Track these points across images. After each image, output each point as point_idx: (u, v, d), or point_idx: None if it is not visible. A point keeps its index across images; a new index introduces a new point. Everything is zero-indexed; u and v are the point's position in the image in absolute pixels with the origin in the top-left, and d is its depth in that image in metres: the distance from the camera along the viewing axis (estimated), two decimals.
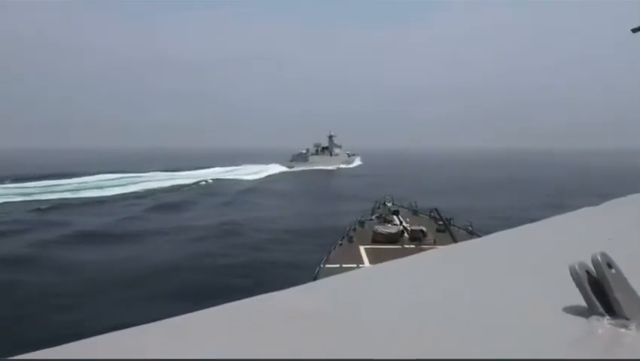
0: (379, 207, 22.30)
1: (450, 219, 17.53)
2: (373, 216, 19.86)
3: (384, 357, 0.92)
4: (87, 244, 23.87)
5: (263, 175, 74.41)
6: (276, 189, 55.39)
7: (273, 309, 1.21)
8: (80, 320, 12.83)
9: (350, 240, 15.20)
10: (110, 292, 15.91)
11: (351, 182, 65.33)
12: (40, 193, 44.79)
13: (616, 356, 0.91)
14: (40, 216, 33.09)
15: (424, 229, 15.70)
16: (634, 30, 3.84)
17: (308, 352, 0.94)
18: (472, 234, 15.07)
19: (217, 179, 63.55)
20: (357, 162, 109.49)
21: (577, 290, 1.01)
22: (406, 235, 15.70)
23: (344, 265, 11.28)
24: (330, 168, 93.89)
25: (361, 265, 11.38)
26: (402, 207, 22.10)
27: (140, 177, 62.53)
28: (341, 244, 14.81)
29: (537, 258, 1.72)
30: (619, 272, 0.99)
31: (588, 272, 1.01)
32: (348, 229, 17.07)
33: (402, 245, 14.58)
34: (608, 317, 0.97)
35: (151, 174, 67.09)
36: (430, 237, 15.24)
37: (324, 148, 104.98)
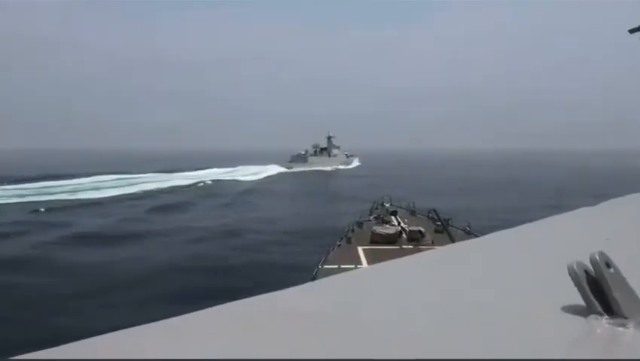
0: (377, 208, 22.29)
1: (448, 219, 17.53)
2: (371, 217, 19.85)
3: (382, 357, 0.92)
4: (86, 246, 23.82)
5: (262, 176, 74.40)
6: (275, 190, 55.40)
7: (272, 309, 1.21)
8: (79, 321, 12.81)
9: (348, 241, 15.19)
10: (109, 294, 15.88)
11: (349, 183, 65.35)
12: (37, 195, 44.64)
13: (614, 355, 0.91)
14: (38, 218, 33.03)
15: (422, 229, 15.69)
16: (631, 31, 3.86)
17: (306, 352, 0.95)
18: (470, 234, 15.07)
19: (216, 180, 63.52)
20: (355, 162, 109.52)
21: (575, 290, 1.02)
22: (404, 235, 15.68)
23: (342, 266, 11.28)
24: (328, 168, 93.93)
25: (359, 266, 11.37)
26: (400, 207, 22.09)
27: (138, 178, 62.42)
28: (339, 245, 14.80)
29: (536, 258, 1.72)
30: (617, 272, 1.00)
31: (586, 272, 1.01)
32: (346, 229, 17.07)
33: (400, 246, 14.57)
34: (606, 317, 0.97)
35: (150, 175, 66.97)
36: (428, 237, 15.23)
37: (322, 149, 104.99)
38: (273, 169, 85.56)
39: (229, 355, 0.92)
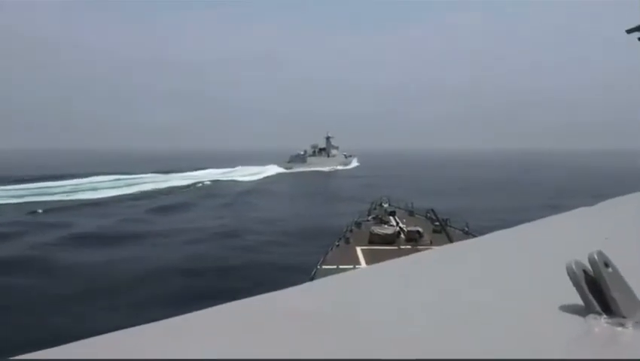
0: (375, 208, 22.30)
1: (446, 219, 17.55)
2: (370, 217, 19.85)
3: (381, 357, 0.92)
4: (84, 247, 23.75)
5: (261, 176, 74.39)
6: (274, 191, 55.35)
7: (270, 309, 1.21)
8: (77, 322, 12.79)
9: (347, 241, 15.20)
10: (108, 295, 15.86)
11: (348, 183, 65.31)
12: (34, 196, 44.48)
13: (613, 354, 0.91)
14: (35, 219, 32.98)
15: (420, 229, 15.70)
16: (629, 31, 3.86)
17: (305, 352, 0.95)
18: (468, 234, 15.09)
19: (215, 180, 63.45)
20: (354, 163, 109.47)
21: (574, 289, 1.02)
22: (402, 235, 15.69)
23: (341, 266, 11.27)
24: (327, 169, 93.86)
25: (357, 266, 11.37)
26: (398, 208, 22.12)
27: (135, 178, 62.27)
28: (338, 245, 14.81)
29: (534, 257, 1.72)
30: (616, 271, 1.00)
31: (585, 271, 1.01)
32: (344, 230, 17.08)
33: (398, 246, 14.58)
34: (604, 316, 0.97)
35: (148, 175, 66.86)
36: (426, 237, 15.24)
37: (321, 149, 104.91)
38: (272, 169, 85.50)
39: (228, 355, 0.93)
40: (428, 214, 19.10)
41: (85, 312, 14.04)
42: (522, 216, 2.68)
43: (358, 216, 19.62)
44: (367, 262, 12.56)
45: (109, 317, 12.91)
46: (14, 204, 39.93)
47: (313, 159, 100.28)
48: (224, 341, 1.01)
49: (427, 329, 1.07)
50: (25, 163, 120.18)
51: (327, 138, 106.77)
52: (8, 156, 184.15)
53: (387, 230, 15.78)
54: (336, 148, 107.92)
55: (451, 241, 13.62)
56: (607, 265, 1.00)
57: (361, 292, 1.40)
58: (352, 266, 10.95)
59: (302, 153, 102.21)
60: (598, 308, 0.99)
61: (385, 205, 22.68)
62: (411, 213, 21.20)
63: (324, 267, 12.14)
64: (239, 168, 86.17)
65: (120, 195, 46.93)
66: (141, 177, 63.43)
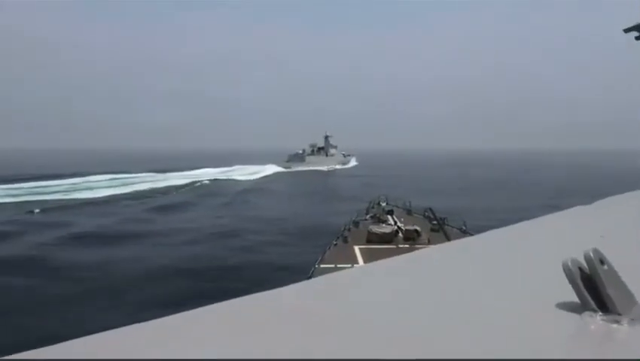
0: (373, 207, 22.31)
1: (444, 218, 17.57)
2: (368, 216, 19.88)
3: (378, 356, 0.92)
4: (82, 247, 23.69)
5: (259, 176, 74.43)
6: (273, 190, 55.32)
7: (267, 307, 1.21)
8: (76, 324, 12.76)
9: (345, 240, 15.21)
10: (106, 296, 15.84)
11: (347, 182, 65.35)
12: (31, 195, 44.34)
13: (608, 351, 0.91)
14: (32, 218, 32.91)
15: (418, 228, 15.72)
16: (626, 30, 3.86)
17: (301, 350, 0.94)
18: (466, 233, 15.10)
19: (214, 180, 63.40)
20: (353, 162, 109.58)
21: (569, 287, 1.02)
22: (400, 234, 15.71)
23: (339, 265, 11.27)
24: (325, 168, 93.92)
25: (355, 265, 11.36)
26: (396, 207, 22.14)
27: (135, 177, 62.26)
28: (336, 244, 14.82)
29: (530, 255, 1.73)
30: (611, 268, 1.00)
31: (581, 269, 1.01)
32: (342, 229, 17.09)
33: (396, 245, 14.59)
34: (600, 313, 0.98)
35: (150, 174, 66.84)
36: (424, 236, 15.26)
37: (320, 148, 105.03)
38: (271, 169, 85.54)
39: (224, 353, 0.93)
40: (426, 213, 19.11)
41: (84, 312, 14.03)
42: (522, 216, 2.67)
43: (355, 215, 19.63)
44: (365, 261, 12.56)
45: (109, 317, 12.89)
46: (11, 203, 39.79)
47: (312, 158, 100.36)
48: (220, 339, 1.01)
49: (424, 327, 1.07)
50: (24, 162, 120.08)
51: (326, 137, 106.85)
52: (8, 156, 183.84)
53: (385, 229, 15.79)
54: (335, 147, 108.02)
55: (449, 239, 13.61)
56: (602, 262, 1.00)
57: (358, 290, 1.40)
58: (349, 265, 10.92)
59: (300, 152, 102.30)
60: (593, 305, 0.99)
61: (383, 204, 22.71)
62: (409, 212, 21.22)
63: (322, 266, 12.15)
64: (238, 167, 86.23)
65: (117, 195, 46.75)
66: (138, 176, 63.36)
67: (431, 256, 1.89)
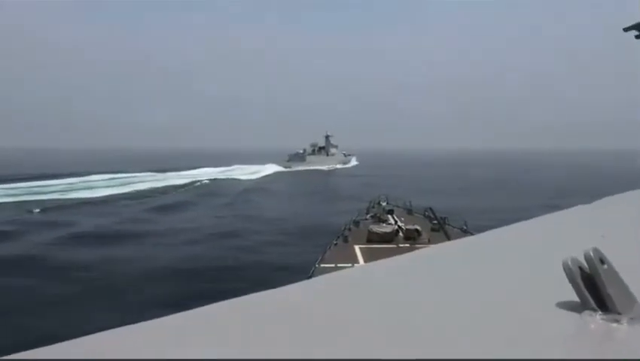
0: (373, 207, 22.29)
1: (445, 218, 17.55)
2: (368, 216, 19.86)
3: (378, 356, 0.92)
4: (82, 247, 23.65)
5: (260, 175, 74.43)
6: (274, 189, 55.28)
7: (268, 306, 1.21)
8: (76, 324, 12.74)
9: (345, 239, 15.21)
10: (106, 296, 15.83)
11: (347, 182, 65.32)
12: (30, 194, 44.27)
13: (608, 350, 0.91)
14: (33, 218, 32.88)
15: (418, 228, 15.71)
16: (626, 29, 3.85)
17: (302, 350, 0.95)
18: (466, 233, 15.08)
19: (215, 179, 63.34)
20: (353, 162, 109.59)
21: (570, 286, 1.02)
22: (400, 234, 15.70)
23: (339, 265, 11.25)
24: (326, 168, 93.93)
25: (355, 265, 11.36)
26: (397, 206, 22.13)
27: (136, 176, 62.21)
28: (336, 244, 14.81)
29: (531, 255, 1.73)
30: (611, 268, 1.00)
31: (581, 268, 1.01)
32: (343, 228, 17.09)
33: (397, 244, 14.58)
34: (600, 312, 0.98)
35: (150, 174, 66.79)
36: (424, 236, 15.25)
37: (320, 148, 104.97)
38: (271, 168, 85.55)
39: (225, 352, 0.93)
40: (427, 213, 19.10)
41: (82, 312, 14.01)
42: (522, 216, 2.67)
43: (356, 214, 19.61)
44: (365, 261, 12.55)
45: (108, 317, 12.87)
46: (11, 202, 39.72)
47: (312, 157, 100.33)
48: (220, 339, 1.01)
49: (425, 327, 1.07)
50: (24, 162, 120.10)
51: (327, 137, 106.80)
52: (8, 155, 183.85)
53: (385, 229, 15.78)
54: (336, 147, 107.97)
55: (449, 239, 13.60)
56: (602, 261, 1.00)
57: (358, 290, 1.40)
58: (350, 265, 10.90)
59: (301, 151, 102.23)
60: (593, 305, 0.99)
61: (384, 204, 22.69)
62: (409, 212, 21.20)
63: (322, 265, 12.14)
64: (239, 166, 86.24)
65: (116, 194, 46.62)
66: (137, 176, 63.24)
67: (432, 255, 1.89)
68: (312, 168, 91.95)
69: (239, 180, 64.92)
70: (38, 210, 35.60)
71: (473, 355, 0.90)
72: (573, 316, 1.01)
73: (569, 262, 1.02)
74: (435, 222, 17.08)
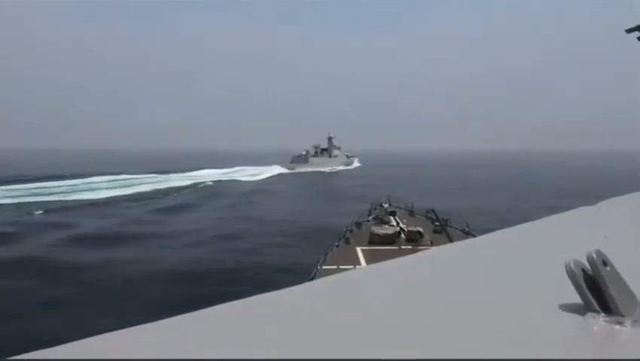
0: (375, 209, 22.29)
1: (447, 219, 17.54)
2: (370, 218, 19.84)
3: (381, 357, 0.92)
4: (84, 248, 23.68)
5: (264, 177, 74.63)
6: (277, 191, 55.34)
7: (270, 309, 1.21)
8: (77, 325, 12.78)
9: (347, 241, 15.20)
10: (107, 298, 15.86)
11: (350, 183, 65.32)
12: (32, 196, 44.34)
13: (611, 353, 0.91)
14: (35, 220, 32.94)
15: (421, 229, 15.70)
16: (628, 30, 3.84)
17: (304, 351, 0.95)
18: (468, 234, 15.07)
19: (219, 181, 63.44)
20: (356, 163, 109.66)
21: (572, 288, 1.02)
22: (402, 235, 15.69)
23: (341, 267, 11.25)
24: (329, 169, 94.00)
25: (357, 267, 11.34)
26: (399, 208, 22.10)
27: (139, 178, 62.25)
28: (338, 246, 14.81)
29: (533, 256, 1.72)
30: (614, 269, 1.00)
31: (584, 270, 1.01)
32: (345, 230, 17.09)
33: (399, 246, 14.57)
34: (603, 314, 0.97)
35: (152, 175, 66.82)
36: (427, 238, 15.24)
37: (323, 150, 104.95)
38: (275, 170, 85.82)
39: (227, 355, 0.93)
40: (429, 214, 19.09)
41: (84, 315, 14.04)
42: (523, 218, 2.67)
43: (358, 216, 19.61)
44: (368, 263, 12.54)
45: (110, 319, 12.88)
46: (12, 204, 39.78)
47: (315, 159, 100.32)
48: (223, 341, 1.01)
49: (427, 328, 1.06)
50: (24, 163, 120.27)
51: (329, 139, 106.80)
52: (9, 155, 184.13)
53: (387, 230, 15.77)
54: (338, 148, 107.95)
55: (451, 241, 13.58)
56: (605, 263, 1.00)
57: (360, 291, 1.40)
58: (352, 266, 10.88)
59: (304, 153, 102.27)
60: (596, 307, 0.99)
61: (386, 205, 22.68)
62: (411, 214, 21.18)
63: (324, 267, 12.14)
64: (242, 168, 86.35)
65: (118, 196, 46.68)
66: (139, 178, 63.25)
67: (434, 257, 1.89)
68: (314, 169, 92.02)
69: (243, 181, 65.10)
70: (40, 211, 35.65)
71: (476, 357, 0.90)
72: (576, 318, 1.01)
73: (572, 264, 1.01)
74: (437, 223, 17.07)
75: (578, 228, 2.35)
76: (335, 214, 31.07)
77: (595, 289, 1.00)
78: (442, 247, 2.16)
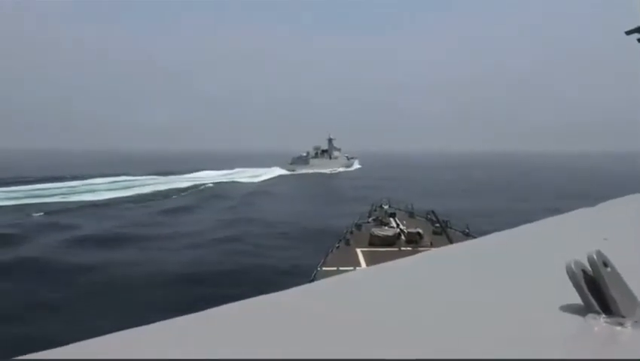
0: (375, 210, 22.27)
1: (447, 221, 17.54)
2: (370, 219, 19.84)
3: (380, 357, 0.91)
4: (85, 250, 23.66)
5: (265, 178, 74.73)
6: (277, 192, 55.36)
7: (270, 310, 1.21)
8: (77, 327, 12.77)
9: (347, 243, 15.20)
10: (107, 299, 15.84)
11: (350, 185, 65.32)
12: (32, 197, 44.29)
13: (612, 354, 0.91)
14: (35, 221, 32.91)
15: (420, 231, 15.70)
16: (628, 32, 3.84)
17: (304, 352, 0.94)
18: (468, 236, 15.06)
19: (219, 182, 63.40)
20: (356, 165, 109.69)
21: (573, 289, 1.02)
22: (402, 237, 15.69)
23: (341, 268, 11.26)
24: (329, 171, 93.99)
25: (357, 268, 11.34)
26: (399, 209, 22.09)
27: (139, 180, 62.25)
28: (338, 247, 14.81)
29: (534, 258, 1.72)
30: (614, 270, 1.00)
31: (584, 271, 1.01)
32: (345, 231, 17.08)
33: (399, 247, 14.58)
34: (604, 315, 0.97)
35: (152, 177, 66.79)
36: (426, 239, 15.24)
37: (323, 151, 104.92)
38: (276, 171, 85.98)
39: (228, 356, 0.92)
40: (429, 216, 19.09)
41: (84, 315, 14.02)
42: (524, 219, 2.66)
43: (358, 218, 19.59)
44: (367, 264, 12.55)
45: (111, 320, 12.87)
46: (12, 206, 39.72)
47: (315, 161, 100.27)
48: (223, 342, 1.01)
49: (427, 330, 1.06)
50: (24, 164, 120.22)
51: (330, 140, 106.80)
52: (9, 156, 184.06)
53: (387, 232, 15.77)
54: (339, 150, 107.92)
55: (451, 242, 13.58)
56: (606, 264, 0.99)
57: (361, 292, 1.40)
58: (352, 268, 10.88)
59: (304, 154, 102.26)
60: (597, 308, 0.99)
61: (386, 207, 22.66)
62: (411, 215, 21.16)
63: (324, 268, 12.14)
64: (242, 170, 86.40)
65: (119, 198, 46.63)
66: (139, 179, 63.21)
67: (434, 258, 1.88)
68: (315, 171, 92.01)
69: (244, 183, 65.13)
70: (40, 213, 35.61)
71: (476, 358, 0.90)
72: (577, 319, 1.01)
73: (572, 265, 1.01)
74: (437, 225, 17.07)
75: (579, 229, 2.35)
76: (335, 216, 31.05)
77: (596, 290, 1.00)
78: (442, 248, 2.15)
